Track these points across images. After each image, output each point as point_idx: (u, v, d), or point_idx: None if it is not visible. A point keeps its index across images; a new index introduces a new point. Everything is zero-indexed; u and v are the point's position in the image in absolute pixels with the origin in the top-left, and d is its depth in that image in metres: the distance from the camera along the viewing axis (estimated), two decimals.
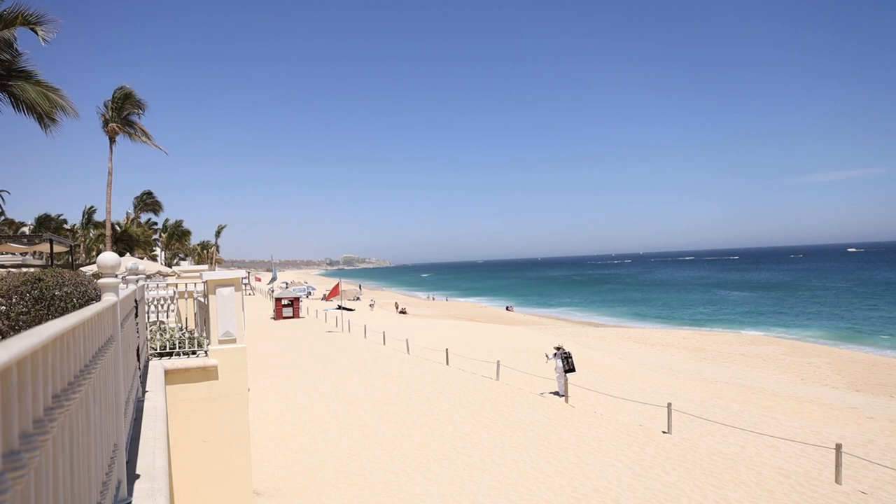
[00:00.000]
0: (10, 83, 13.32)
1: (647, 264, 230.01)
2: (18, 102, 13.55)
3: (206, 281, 8.06)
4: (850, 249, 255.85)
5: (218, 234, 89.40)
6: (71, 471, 1.43)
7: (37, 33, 13.41)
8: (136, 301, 5.24)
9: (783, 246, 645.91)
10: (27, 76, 13.64)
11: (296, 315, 46.24)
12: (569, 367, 18.28)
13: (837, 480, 11.61)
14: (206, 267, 33.43)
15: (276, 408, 17.99)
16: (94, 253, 48.00)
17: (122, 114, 27.91)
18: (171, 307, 9.47)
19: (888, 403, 20.29)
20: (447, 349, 24.92)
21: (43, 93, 13.74)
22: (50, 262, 21.77)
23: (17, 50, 13.48)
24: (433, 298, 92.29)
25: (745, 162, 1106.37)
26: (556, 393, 18.70)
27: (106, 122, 27.51)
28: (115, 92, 28.08)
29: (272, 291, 60.31)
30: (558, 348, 18.97)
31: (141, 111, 28.68)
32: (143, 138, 28.61)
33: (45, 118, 13.82)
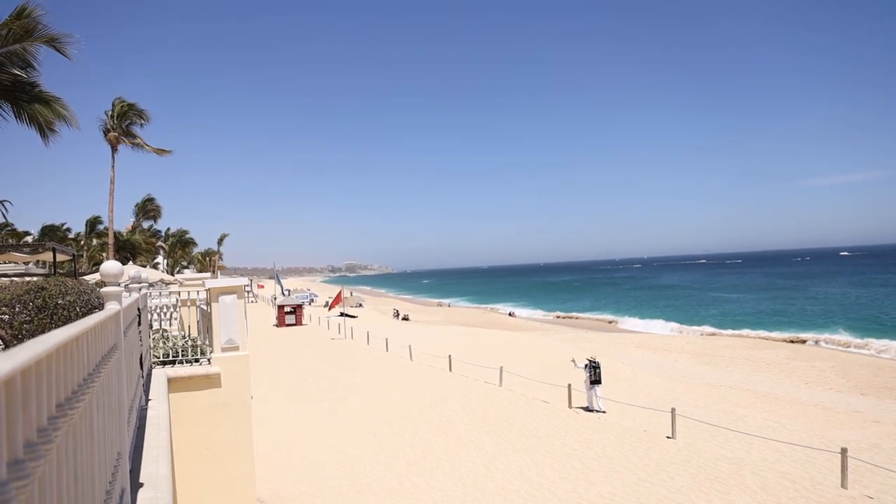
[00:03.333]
0: (15, 93, 13.33)
1: (652, 269, 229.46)
2: (21, 112, 13.56)
3: (209, 289, 8.08)
4: (842, 253, 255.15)
5: (220, 241, 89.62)
6: (75, 480, 1.43)
7: (63, 53, 13.41)
8: (138, 309, 5.25)
9: (783, 249, 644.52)
10: (31, 87, 13.66)
11: (298, 322, 46.22)
12: (595, 379, 17.48)
13: (843, 485, 11.54)
14: (208, 275, 33.45)
15: (280, 415, 17.96)
16: (94, 263, 48.09)
17: (124, 123, 28.03)
18: (174, 315, 9.49)
19: (893, 407, 20.17)
20: (450, 355, 24.88)
21: (46, 102, 13.75)
22: (53, 271, 21.81)
23: (34, 67, 13.39)
24: (440, 305, 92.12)
25: (745, 165, 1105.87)
26: (586, 408, 17.67)
27: (107, 132, 27.62)
28: (115, 101, 28.23)
29: (275, 299, 60.34)
30: (590, 360, 17.97)
31: (143, 121, 28.83)
32: (145, 147, 28.73)
33: (45, 129, 13.80)
